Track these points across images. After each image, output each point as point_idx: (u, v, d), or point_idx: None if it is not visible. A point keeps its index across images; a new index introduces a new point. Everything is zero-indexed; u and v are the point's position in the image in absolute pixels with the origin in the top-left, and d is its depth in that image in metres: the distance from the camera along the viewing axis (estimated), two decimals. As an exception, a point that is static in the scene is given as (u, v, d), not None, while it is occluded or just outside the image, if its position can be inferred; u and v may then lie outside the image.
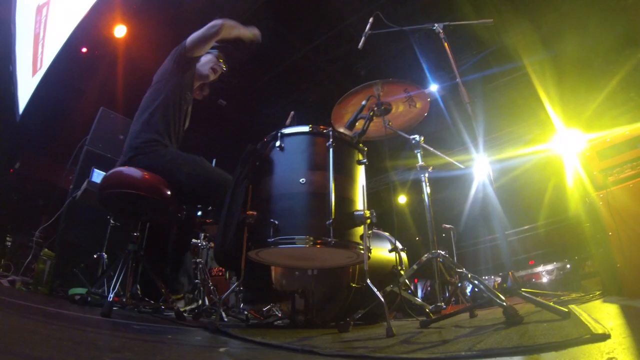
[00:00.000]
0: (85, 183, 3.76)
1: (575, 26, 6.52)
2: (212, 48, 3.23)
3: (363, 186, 2.43)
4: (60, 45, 5.17)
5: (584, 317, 1.67)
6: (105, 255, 3.87)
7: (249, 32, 3.11)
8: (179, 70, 2.97)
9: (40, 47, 5.54)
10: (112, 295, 2.24)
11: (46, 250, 3.59)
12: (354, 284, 2.88)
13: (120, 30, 5.94)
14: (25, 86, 5.52)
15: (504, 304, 1.84)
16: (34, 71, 5.52)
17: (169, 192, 2.59)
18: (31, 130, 5.68)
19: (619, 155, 3.12)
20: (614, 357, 0.96)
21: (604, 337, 1.21)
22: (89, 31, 5.64)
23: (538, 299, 1.94)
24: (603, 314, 2.01)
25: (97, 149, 4.32)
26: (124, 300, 2.67)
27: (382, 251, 3.22)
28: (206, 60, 3.26)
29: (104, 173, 2.92)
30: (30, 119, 5.41)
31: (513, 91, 8.43)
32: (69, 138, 4.75)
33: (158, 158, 2.68)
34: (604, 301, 2.90)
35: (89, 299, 2.75)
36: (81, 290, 3.20)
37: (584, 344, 1.16)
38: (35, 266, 3.53)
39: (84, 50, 6.11)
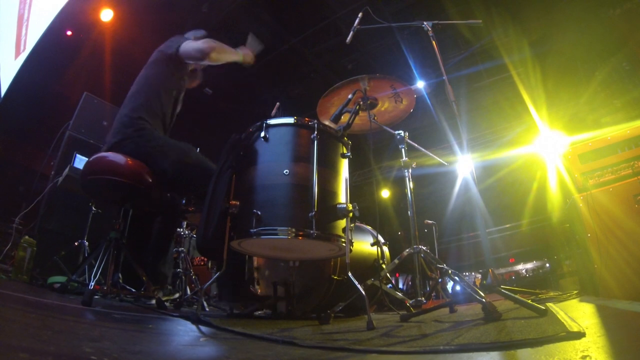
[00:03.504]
0: (67, 169, 3.71)
1: (563, 33, 6.61)
2: (206, 37, 3.25)
3: (346, 179, 2.44)
4: (45, 28, 5.07)
5: (561, 315, 1.71)
6: (87, 243, 3.82)
7: (239, 56, 3.17)
8: (171, 64, 3.02)
9: (24, 28, 5.41)
10: (92, 284, 2.22)
11: (27, 237, 3.52)
12: (335, 276, 2.90)
13: (106, 14, 5.85)
14: (8, 69, 5.40)
15: (483, 300, 1.87)
16: (17, 53, 5.40)
17: (151, 180, 2.57)
18: (13, 115, 5.55)
19: (600, 159, 3.19)
20: (588, 355, 0.98)
21: (579, 335, 1.23)
22: (74, 14, 5.54)
23: (517, 296, 1.97)
24: (579, 313, 2.04)
25: (79, 135, 4.26)
26: (105, 288, 2.65)
27: (364, 245, 3.24)
28: None
29: (87, 159, 2.89)
30: (12, 103, 5.28)
31: (497, 92, 8.53)
32: (52, 123, 4.67)
33: (144, 144, 2.67)
34: (581, 300, 2.96)
35: (69, 287, 2.72)
36: (61, 279, 3.16)
37: (559, 341, 1.19)
38: (15, 253, 3.47)
39: (69, 33, 6.00)
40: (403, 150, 2.67)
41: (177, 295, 3.77)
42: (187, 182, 2.75)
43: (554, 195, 4.34)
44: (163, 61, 3.02)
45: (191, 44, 2.99)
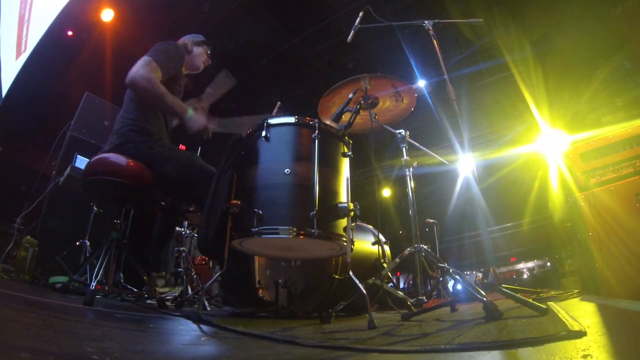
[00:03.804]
0: (69, 169, 3.70)
1: (564, 32, 6.60)
2: (204, 43, 3.22)
3: (347, 178, 2.43)
4: (46, 28, 5.08)
5: (562, 314, 1.70)
6: (88, 243, 3.83)
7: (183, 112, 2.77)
8: None
9: (25, 29, 5.43)
10: (94, 284, 2.22)
11: (28, 237, 3.52)
12: (336, 275, 2.90)
13: (107, 14, 5.85)
14: (8, 69, 5.41)
15: (485, 299, 1.87)
16: (18, 54, 5.41)
17: (152, 181, 2.57)
18: (14, 115, 5.57)
19: (601, 158, 3.19)
20: (589, 354, 0.98)
21: (580, 334, 1.23)
22: (75, 14, 5.56)
23: (518, 295, 1.97)
24: (580, 312, 2.04)
25: (80, 135, 4.26)
26: (107, 288, 2.65)
27: (365, 244, 3.24)
28: (199, 53, 3.23)
29: (88, 159, 2.89)
30: (13, 103, 5.30)
31: (499, 91, 8.52)
32: (53, 123, 4.69)
33: (146, 149, 2.63)
34: (582, 299, 2.95)
35: (70, 287, 2.72)
36: (62, 279, 3.16)
37: (560, 340, 1.19)
38: (17, 253, 3.47)
39: (70, 33, 6.01)
40: (404, 149, 2.67)
41: (178, 289, 3.78)
42: (188, 185, 2.72)
43: (556, 194, 4.34)
44: None
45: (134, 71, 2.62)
